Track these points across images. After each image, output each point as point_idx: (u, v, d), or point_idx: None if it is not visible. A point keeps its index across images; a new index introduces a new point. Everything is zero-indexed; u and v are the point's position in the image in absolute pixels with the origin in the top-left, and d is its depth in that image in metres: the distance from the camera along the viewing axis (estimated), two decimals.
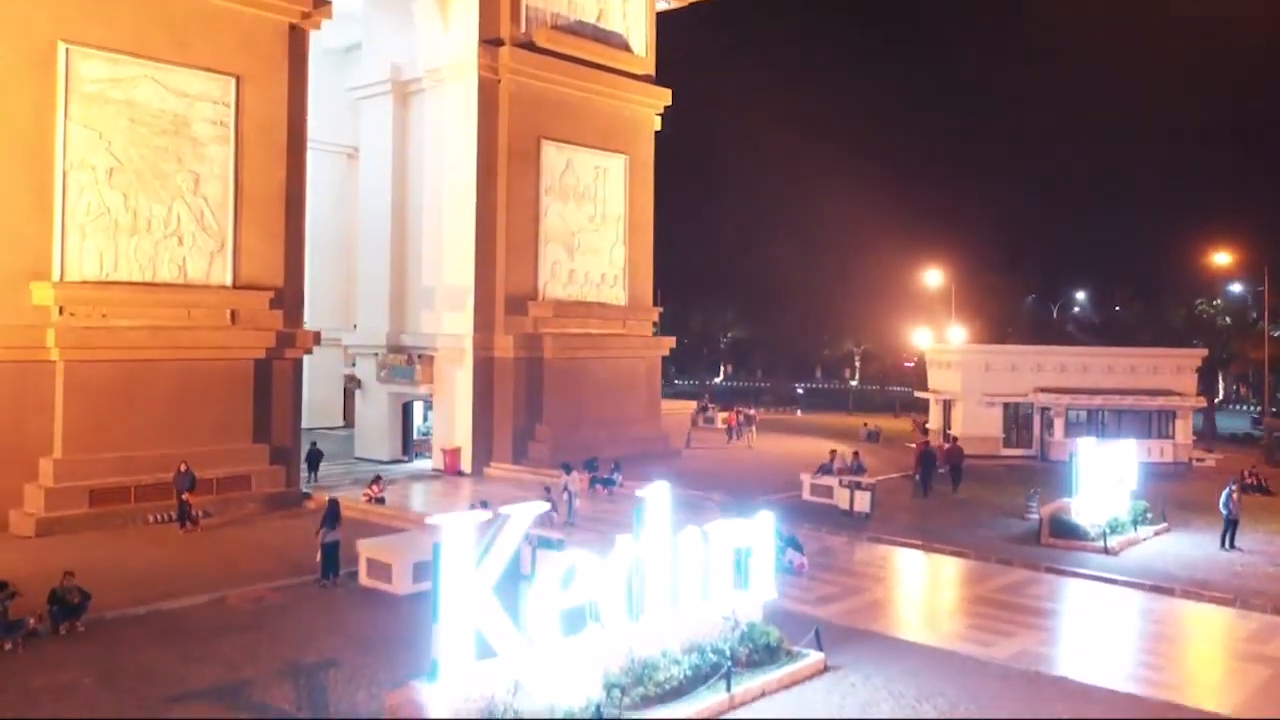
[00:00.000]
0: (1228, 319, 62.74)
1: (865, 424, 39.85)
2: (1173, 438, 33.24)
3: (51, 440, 20.03)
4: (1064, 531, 20.83)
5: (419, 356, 29.55)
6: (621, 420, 30.86)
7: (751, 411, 38.78)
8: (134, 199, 21.42)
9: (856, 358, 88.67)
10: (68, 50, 20.58)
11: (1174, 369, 34.46)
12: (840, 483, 23.91)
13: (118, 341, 20.41)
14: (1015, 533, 21.87)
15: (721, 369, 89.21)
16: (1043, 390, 33.63)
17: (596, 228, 31.21)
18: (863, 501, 23.19)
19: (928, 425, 38.18)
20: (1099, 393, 33.38)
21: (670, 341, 33.18)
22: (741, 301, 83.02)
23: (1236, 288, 75.52)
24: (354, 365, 32.88)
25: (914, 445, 30.46)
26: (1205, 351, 36.18)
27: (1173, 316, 47.57)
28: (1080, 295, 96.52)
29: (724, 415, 43.79)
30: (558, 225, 30.10)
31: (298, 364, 24.06)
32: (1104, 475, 21.85)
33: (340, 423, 39.76)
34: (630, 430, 30.91)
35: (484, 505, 21.17)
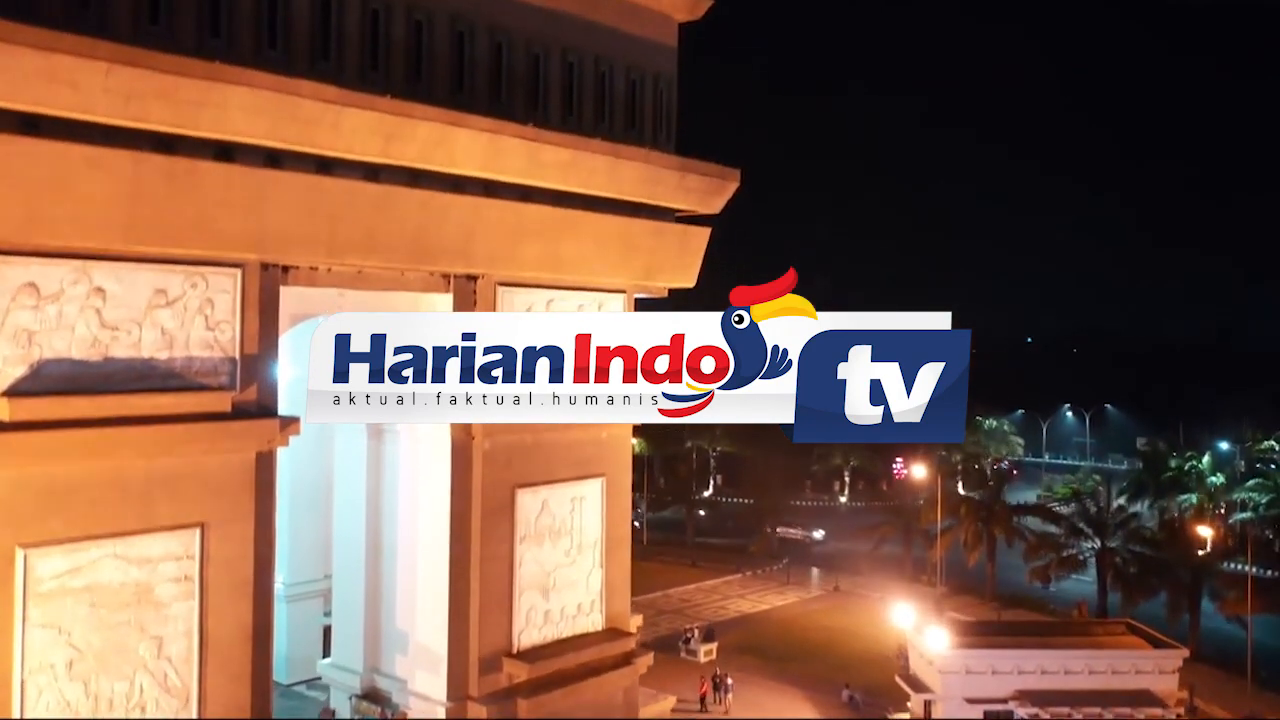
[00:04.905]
0: (1220, 476, 62.80)
1: (847, 685, 39.74)
2: None
3: None
4: None
5: (392, 716, 29.31)
6: None
7: (730, 681, 38.72)
8: (95, 683, 21.08)
9: (846, 474, 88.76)
10: (26, 555, 20.29)
11: (1154, 670, 34.44)
12: None
13: None
14: None
15: (711, 481, 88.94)
16: (1022, 694, 33.57)
17: (572, 560, 30.97)
18: None
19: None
20: (1080, 700, 33.33)
21: (648, 659, 32.92)
22: None
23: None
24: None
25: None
26: (1186, 652, 36.08)
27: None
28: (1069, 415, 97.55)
29: (706, 648, 43.79)
30: (534, 571, 29.85)
31: None
32: None
33: (318, 674, 39.55)
34: None
35: None
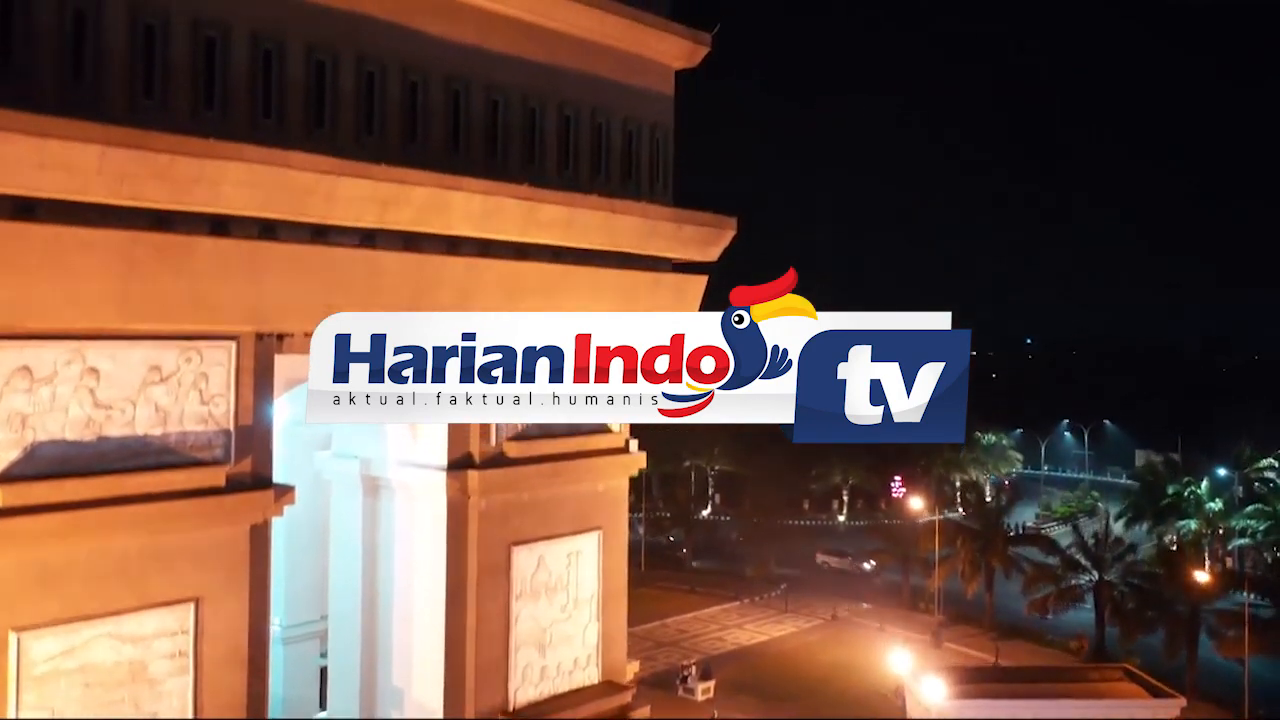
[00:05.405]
0: (1218, 502, 62.80)
1: None
2: None
3: None
4: None
5: None
6: None
7: None
8: None
9: (844, 492, 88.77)
10: (19, 638, 20.26)
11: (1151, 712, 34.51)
12: None
13: None
14: None
15: (710, 502, 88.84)
16: None
17: (569, 615, 30.93)
18: None
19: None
20: None
21: (645, 711, 32.90)
22: (730, 433, 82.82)
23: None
24: None
25: None
26: (1184, 701, 36.02)
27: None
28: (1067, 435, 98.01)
29: (704, 686, 43.77)
30: (530, 628, 29.81)
31: None
32: None
33: (316, 713, 39.53)
34: None
35: None
